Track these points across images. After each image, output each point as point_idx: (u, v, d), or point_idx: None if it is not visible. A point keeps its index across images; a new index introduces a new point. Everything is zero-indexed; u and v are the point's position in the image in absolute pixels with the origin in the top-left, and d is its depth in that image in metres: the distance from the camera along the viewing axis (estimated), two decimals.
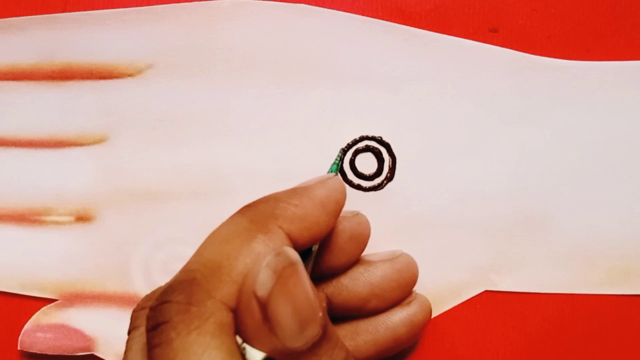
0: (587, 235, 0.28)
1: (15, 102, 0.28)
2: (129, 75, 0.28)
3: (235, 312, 0.19)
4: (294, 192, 0.22)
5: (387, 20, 0.28)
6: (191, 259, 0.20)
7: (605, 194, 0.28)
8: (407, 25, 0.28)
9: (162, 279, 0.28)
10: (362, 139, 0.28)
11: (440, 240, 0.28)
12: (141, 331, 0.20)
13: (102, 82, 0.28)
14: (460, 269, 0.28)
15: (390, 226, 0.28)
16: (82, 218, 0.28)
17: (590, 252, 0.28)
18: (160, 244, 0.28)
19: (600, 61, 0.28)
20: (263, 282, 0.18)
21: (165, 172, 0.28)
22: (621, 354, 0.28)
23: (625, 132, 0.28)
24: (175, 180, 0.28)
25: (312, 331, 0.18)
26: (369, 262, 0.26)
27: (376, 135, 0.28)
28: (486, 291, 0.28)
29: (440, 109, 0.28)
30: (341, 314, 0.25)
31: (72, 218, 0.28)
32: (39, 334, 0.28)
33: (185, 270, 0.19)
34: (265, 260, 0.18)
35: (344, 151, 0.28)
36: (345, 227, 0.25)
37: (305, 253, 0.23)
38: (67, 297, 0.28)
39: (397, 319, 0.25)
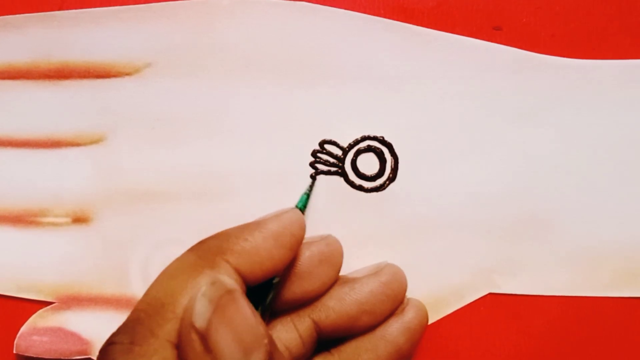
0: (592, 236, 0.28)
1: (11, 101, 0.28)
2: (127, 74, 0.28)
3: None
4: (246, 226, 0.22)
5: (388, 18, 0.28)
6: (140, 299, 0.20)
7: (609, 195, 0.28)
8: (409, 23, 0.28)
9: None
10: (363, 138, 0.28)
11: (443, 242, 0.27)
12: None
13: (99, 81, 0.28)
14: (463, 271, 0.27)
15: (392, 228, 0.28)
16: (79, 219, 0.28)
17: (594, 254, 0.28)
18: (158, 245, 0.28)
19: (605, 60, 0.28)
20: (200, 312, 0.18)
21: (163, 172, 0.28)
22: (626, 357, 0.28)
23: (631, 132, 0.28)
24: (174, 181, 0.28)
25: (257, 358, 0.18)
26: (354, 280, 0.25)
27: (378, 135, 0.28)
28: (490, 294, 0.28)
29: (443, 108, 0.28)
30: (334, 335, 0.25)
31: (69, 219, 0.28)
32: (35, 337, 0.27)
33: (133, 310, 0.20)
34: (201, 290, 0.18)
35: (314, 179, 0.27)
36: (313, 252, 0.25)
37: (265, 285, 0.23)
38: (64, 299, 0.28)
39: (394, 329, 0.25)
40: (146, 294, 0.20)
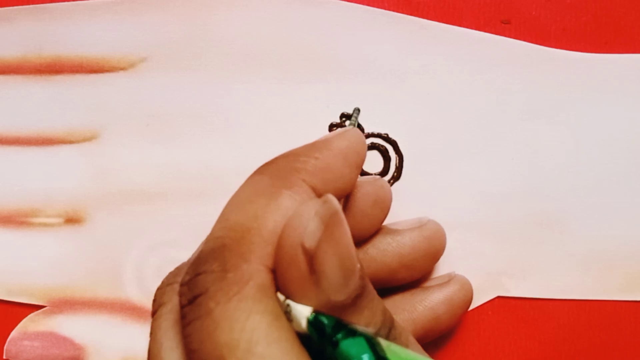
0: (605, 237, 0.27)
1: (1, 97, 0.28)
2: (122, 69, 0.28)
3: (273, 271, 0.18)
4: (313, 145, 0.21)
5: (393, 10, 0.28)
6: (215, 226, 0.19)
7: (624, 194, 0.27)
8: (414, 16, 0.27)
9: (155, 284, 0.27)
10: (367, 136, 0.27)
11: (450, 243, 0.27)
12: (170, 308, 0.20)
13: (92, 76, 0.28)
14: (471, 273, 0.27)
15: None
16: (72, 219, 0.28)
17: (608, 256, 0.27)
18: (153, 247, 0.27)
19: (618, 54, 0.27)
20: (312, 232, 0.17)
21: (159, 171, 0.27)
22: None
23: None
24: (170, 180, 0.27)
25: (355, 283, 0.18)
26: (396, 231, 0.25)
27: (382, 132, 0.27)
28: (498, 297, 0.27)
29: (449, 104, 0.27)
30: None
31: (61, 219, 0.28)
32: (26, 342, 0.27)
33: (212, 238, 0.19)
34: (314, 208, 0.18)
35: (359, 110, 0.27)
36: (368, 191, 0.24)
37: None
38: (56, 303, 0.27)
39: (436, 297, 0.25)
40: (223, 221, 0.19)
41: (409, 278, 0.25)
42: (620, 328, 0.27)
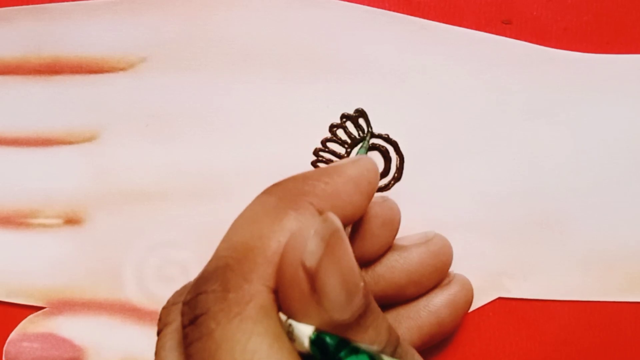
0: (606, 238, 0.27)
1: (0, 97, 0.28)
2: (121, 70, 0.28)
3: (275, 291, 0.18)
4: (323, 170, 0.21)
5: (393, 10, 0.27)
6: (220, 245, 0.19)
7: (624, 194, 0.27)
8: (415, 16, 0.27)
9: (155, 285, 0.27)
10: None
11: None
12: (174, 327, 0.20)
13: (92, 76, 0.28)
14: (472, 274, 0.27)
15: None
16: (71, 220, 0.27)
17: (609, 257, 0.27)
18: (153, 247, 0.27)
19: (619, 54, 0.27)
20: (312, 251, 0.17)
21: (158, 171, 0.27)
22: None
23: None
24: (169, 180, 0.27)
25: (358, 302, 0.18)
26: (403, 247, 0.25)
27: (383, 132, 0.27)
28: (499, 298, 0.27)
29: (450, 104, 0.27)
30: (378, 303, 0.25)
31: (60, 220, 0.27)
32: (25, 344, 0.27)
33: (216, 257, 0.19)
34: (313, 227, 0.17)
35: (372, 135, 0.26)
36: (377, 212, 0.24)
37: None
38: (56, 304, 0.27)
39: (438, 301, 0.25)
40: (228, 240, 0.19)
41: (416, 293, 0.25)
42: (620, 329, 0.27)
